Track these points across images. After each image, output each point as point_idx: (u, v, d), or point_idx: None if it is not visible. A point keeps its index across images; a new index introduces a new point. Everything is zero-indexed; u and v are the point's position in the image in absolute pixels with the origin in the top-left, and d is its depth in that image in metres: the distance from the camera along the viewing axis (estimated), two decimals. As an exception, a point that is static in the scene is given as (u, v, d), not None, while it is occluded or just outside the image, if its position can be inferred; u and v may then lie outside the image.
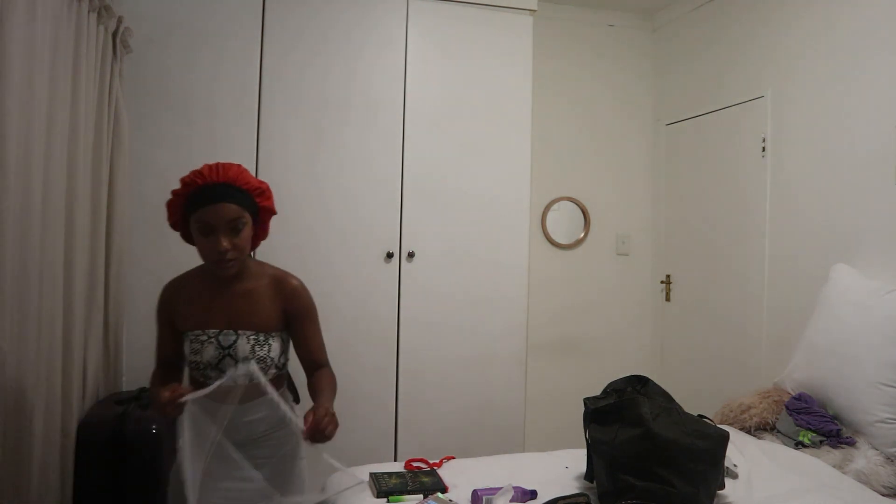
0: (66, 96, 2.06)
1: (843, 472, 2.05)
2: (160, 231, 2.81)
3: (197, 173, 1.58)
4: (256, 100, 2.93)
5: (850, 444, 2.19)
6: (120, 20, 2.49)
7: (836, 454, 2.15)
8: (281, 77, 2.95)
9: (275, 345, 1.69)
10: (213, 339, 1.64)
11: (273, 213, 1.77)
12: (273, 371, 1.70)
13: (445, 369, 3.16)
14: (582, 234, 4.05)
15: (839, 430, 2.25)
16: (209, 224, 1.55)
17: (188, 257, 2.80)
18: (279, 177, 2.95)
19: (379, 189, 3.07)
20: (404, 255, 3.09)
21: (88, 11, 2.21)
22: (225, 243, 1.56)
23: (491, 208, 3.21)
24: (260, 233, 1.75)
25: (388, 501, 1.88)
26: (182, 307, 1.69)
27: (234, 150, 2.89)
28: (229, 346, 1.64)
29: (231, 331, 1.65)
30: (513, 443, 3.21)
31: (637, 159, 4.14)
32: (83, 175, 2.21)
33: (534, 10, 3.27)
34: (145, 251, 2.77)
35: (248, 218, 1.62)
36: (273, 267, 1.80)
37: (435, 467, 2.16)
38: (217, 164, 1.60)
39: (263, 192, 1.70)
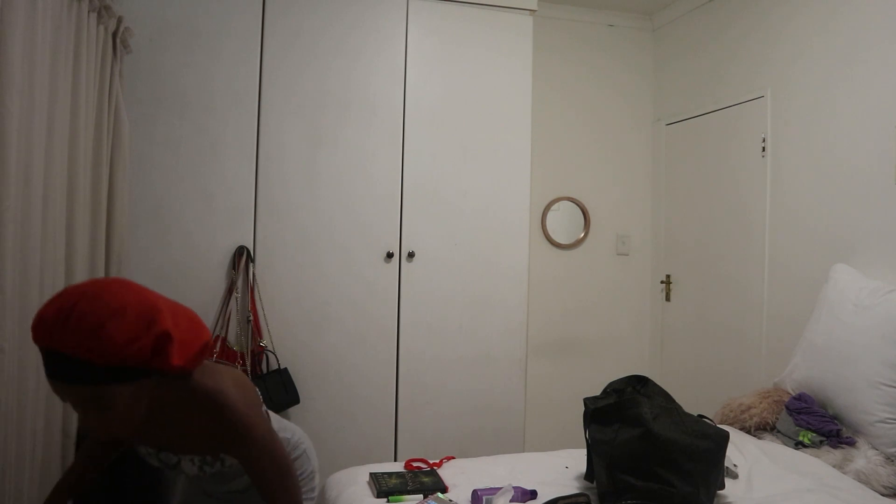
0: (66, 96, 2.06)
1: (843, 472, 2.05)
2: (160, 231, 2.84)
3: (36, 324, 1.09)
4: (256, 100, 2.93)
5: (850, 444, 2.19)
6: (120, 20, 2.49)
7: (836, 454, 2.15)
8: (281, 77, 2.95)
9: (228, 462, 1.44)
10: (152, 455, 1.45)
11: (181, 365, 1.16)
12: (234, 483, 1.53)
13: (445, 369, 3.16)
14: (582, 234, 4.05)
15: (839, 430, 2.25)
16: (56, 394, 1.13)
17: (188, 257, 2.82)
18: (279, 177, 2.95)
19: (379, 189, 3.07)
20: (404, 254, 3.09)
21: (88, 11, 2.21)
22: (89, 421, 1.14)
23: (491, 208, 3.21)
24: (180, 374, 1.22)
25: (388, 501, 1.88)
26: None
27: (234, 151, 2.89)
28: (173, 466, 1.44)
29: (170, 453, 1.41)
30: (513, 443, 3.21)
31: (637, 159, 4.14)
32: (83, 175, 2.21)
33: (534, 10, 3.27)
34: (145, 251, 2.77)
35: (116, 392, 1.11)
36: (210, 387, 1.29)
37: (435, 467, 2.16)
38: (64, 313, 1.05)
39: (141, 359, 1.10)
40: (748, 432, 2.47)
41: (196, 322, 1.25)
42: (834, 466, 2.09)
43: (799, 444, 2.28)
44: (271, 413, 1.65)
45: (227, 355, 2.76)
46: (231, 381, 1.37)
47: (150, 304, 1.13)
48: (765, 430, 2.48)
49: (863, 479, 2.02)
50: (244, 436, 1.30)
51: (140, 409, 1.18)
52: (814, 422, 2.29)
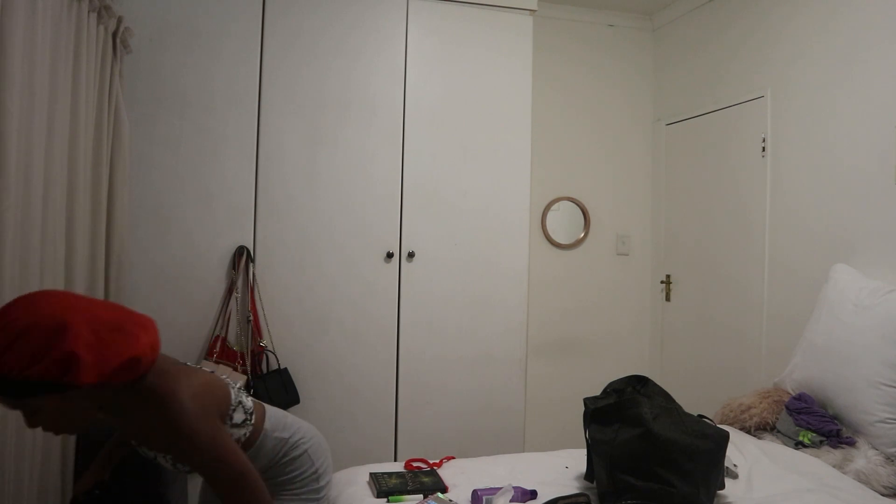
0: (66, 96, 2.06)
1: (843, 472, 2.05)
2: (160, 231, 2.84)
3: None
4: (256, 100, 2.93)
5: (850, 444, 2.19)
6: (120, 20, 2.49)
7: (836, 454, 2.15)
8: (281, 77, 2.95)
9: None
10: (138, 447, 1.52)
11: (93, 382, 1.19)
12: None
13: (445, 369, 3.16)
14: (582, 234, 4.05)
15: (839, 430, 2.25)
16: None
17: (188, 257, 2.82)
18: (279, 177, 2.96)
19: (379, 189, 3.07)
20: (404, 254, 3.09)
21: (88, 11, 2.21)
22: (29, 424, 1.23)
23: (491, 208, 3.21)
24: (114, 384, 1.25)
25: (388, 501, 1.88)
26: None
27: (234, 150, 2.89)
28: (153, 459, 1.48)
29: (145, 448, 1.48)
30: (513, 443, 3.21)
31: (637, 159, 4.14)
32: (83, 175, 2.21)
33: (534, 10, 3.27)
34: (145, 251, 2.77)
35: (38, 402, 1.18)
36: (161, 391, 1.33)
37: (435, 467, 2.16)
38: None
39: (46, 378, 1.14)
40: (748, 432, 2.48)
41: (126, 334, 1.25)
42: (834, 466, 2.09)
43: (799, 444, 2.28)
44: (274, 410, 1.65)
45: (227, 355, 2.76)
46: (191, 386, 1.37)
47: (58, 323, 1.16)
48: (765, 430, 2.48)
49: (863, 479, 2.02)
50: (185, 441, 1.31)
51: (82, 413, 1.25)
52: (814, 422, 2.29)
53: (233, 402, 1.51)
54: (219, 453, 1.35)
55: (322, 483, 1.67)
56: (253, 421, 1.55)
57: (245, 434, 1.53)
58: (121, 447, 1.69)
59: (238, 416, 1.50)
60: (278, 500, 1.60)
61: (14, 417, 1.71)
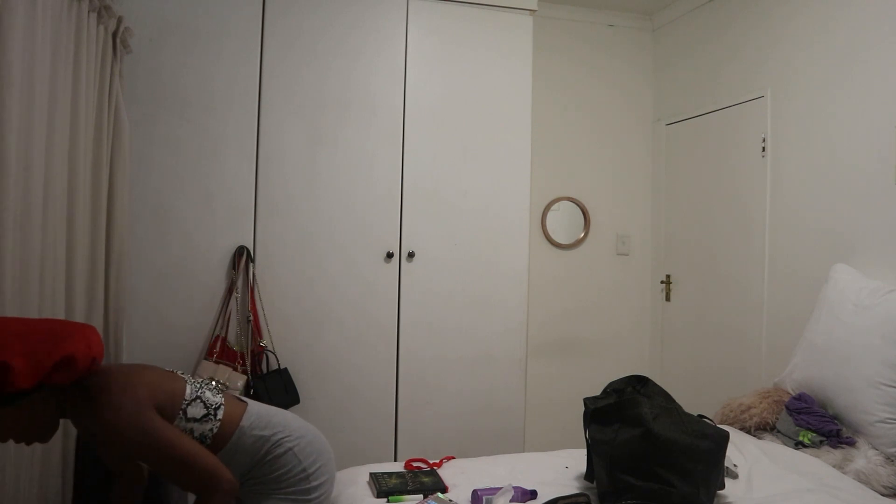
0: (66, 96, 2.06)
1: (843, 472, 2.05)
2: (160, 231, 2.84)
3: None
4: (256, 100, 2.93)
5: (850, 444, 2.19)
6: (120, 20, 2.49)
7: (836, 454, 2.15)
8: (281, 77, 2.95)
9: None
10: None
11: (31, 386, 1.30)
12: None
13: (445, 369, 3.16)
14: (582, 234, 4.05)
15: (839, 430, 2.25)
16: None
17: (188, 257, 2.82)
18: (279, 177, 2.96)
19: (379, 189, 3.07)
20: (404, 254, 3.09)
21: (88, 11, 2.21)
22: None
23: (491, 208, 3.21)
24: (58, 384, 1.36)
25: (388, 501, 1.87)
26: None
27: (234, 151, 2.89)
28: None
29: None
30: (513, 443, 3.21)
31: (637, 159, 4.14)
32: (83, 175, 2.21)
33: (534, 10, 3.27)
34: (145, 251, 2.77)
35: None
36: (93, 391, 1.42)
37: (435, 467, 2.16)
38: None
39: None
40: (748, 432, 2.48)
41: (56, 336, 1.34)
42: (834, 466, 2.09)
43: (799, 444, 2.28)
44: (259, 409, 1.66)
45: (228, 355, 2.76)
46: (127, 383, 1.43)
47: None
48: (765, 430, 2.48)
49: (863, 479, 2.02)
50: (115, 435, 1.38)
51: (42, 420, 1.34)
52: (814, 422, 2.29)
53: (187, 396, 1.53)
54: (152, 442, 1.40)
55: (314, 483, 1.65)
56: (220, 416, 1.56)
57: (211, 430, 1.54)
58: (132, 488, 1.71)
59: (194, 411, 1.52)
60: (270, 499, 1.59)
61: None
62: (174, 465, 1.42)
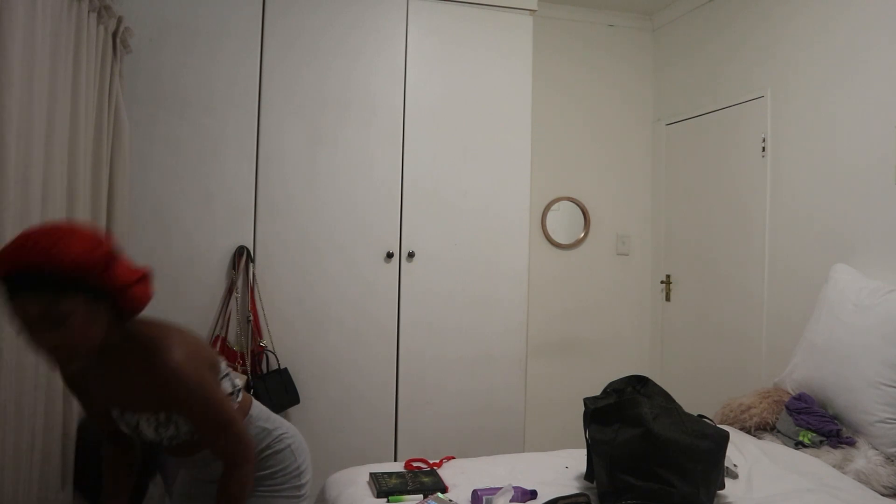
0: (66, 96, 2.06)
1: (843, 472, 2.05)
2: (160, 231, 2.84)
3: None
4: (256, 100, 2.93)
5: (850, 444, 2.19)
6: (120, 20, 2.49)
7: (836, 454, 2.15)
8: (281, 77, 2.95)
9: (181, 423, 1.43)
10: (119, 419, 1.47)
11: (126, 288, 1.31)
12: (198, 437, 1.47)
13: (445, 369, 3.16)
14: (582, 234, 4.05)
15: (839, 430, 2.25)
16: (17, 318, 1.23)
17: (188, 257, 2.82)
18: (279, 177, 2.96)
19: (379, 189, 3.07)
20: (404, 254, 3.09)
21: (88, 11, 2.21)
22: (41, 342, 1.25)
23: (491, 208, 3.21)
24: (124, 306, 1.33)
25: (388, 501, 1.88)
26: (83, 386, 1.51)
27: (234, 151, 2.90)
28: (134, 428, 1.46)
29: (130, 412, 1.44)
30: (513, 443, 3.21)
31: (637, 159, 4.14)
32: (83, 175, 2.21)
33: (534, 10, 3.27)
34: (145, 251, 2.77)
35: (72, 304, 1.22)
36: (149, 337, 1.38)
37: (435, 467, 2.16)
38: (22, 240, 1.23)
39: (93, 268, 1.24)
40: (748, 432, 2.48)
41: (143, 276, 1.37)
42: (834, 466, 2.09)
43: (799, 444, 2.28)
44: (260, 405, 1.66)
45: (228, 355, 2.76)
46: (182, 338, 1.42)
47: (97, 233, 1.31)
48: (765, 430, 2.48)
49: (863, 479, 2.02)
50: (174, 381, 1.34)
51: (92, 335, 1.28)
52: (814, 422, 2.29)
53: (222, 370, 1.53)
54: (207, 396, 1.39)
55: (304, 481, 1.67)
56: (240, 399, 1.57)
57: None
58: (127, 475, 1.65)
59: (225, 386, 1.52)
60: (257, 498, 1.57)
61: (13, 417, 1.71)
62: (218, 426, 1.40)
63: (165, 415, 1.40)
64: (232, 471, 1.43)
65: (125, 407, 1.42)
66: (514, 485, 1.87)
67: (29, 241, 1.21)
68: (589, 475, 1.98)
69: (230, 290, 2.84)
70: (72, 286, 1.22)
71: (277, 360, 2.89)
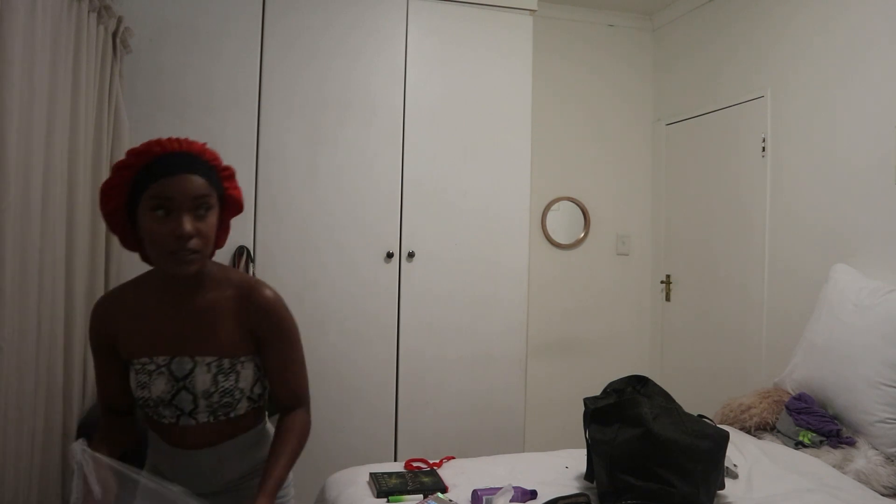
0: (66, 96, 2.06)
1: (843, 472, 2.05)
2: (160, 231, 2.83)
3: (153, 142, 1.25)
4: (256, 100, 2.93)
5: (850, 444, 2.19)
6: (120, 20, 2.49)
7: (836, 454, 2.15)
8: (281, 77, 2.95)
9: (245, 372, 1.35)
10: (163, 369, 1.32)
11: (240, 207, 1.41)
12: (245, 405, 1.38)
13: (445, 369, 3.16)
14: (582, 234, 4.05)
15: (839, 430, 2.25)
16: (169, 199, 1.21)
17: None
18: (279, 177, 2.95)
19: (379, 189, 3.07)
20: (404, 254, 3.09)
21: (88, 11, 2.21)
22: (188, 226, 1.22)
23: (491, 208, 3.21)
24: (220, 233, 1.40)
25: (388, 501, 1.88)
26: (123, 328, 1.35)
27: (234, 151, 2.89)
28: (185, 377, 1.32)
29: (186, 357, 1.32)
30: (513, 443, 3.21)
31: (637, 159, 4.14)
32: (83, 175, 2.21)
33: (534, 10, 3.27)
34: (145, 251, 2.77)
35: (215, 201, 1.29)
36: (240, 273, 1.47)
37: (435, 467, 2.16)
38: (172, 139, 1.27)
39: (232, 175, 1.37)
40: (748, 432, 2.48)
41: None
42: (834, 466, 2.09)
43: (799, 444, 2.28)
44: None
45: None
46: None
47: None
48: (765, 430, 2.48)
49: (863, 479, 2.02)
50: (273, 301, 1.37)
51: (213, 240, 1.32)
52: (814, 422, 2.29)
53: None
54: (296, 331, 1.43)
55: (289, 481, 1.54)
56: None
57: None
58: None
59: None
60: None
61: (13, 417, 1.71)
62: (297, 363, 1.42)
63: (231, 361, 1.33)
64: (299, 413, 1.41)
65: (189, 348, 1.32)
66: (514, 485, 1.87)
67: (186, 140, 1.28)
68: (589, 475, 1.98)
69: (230, 290, 2.84)
70: (217, 181, 1.30)
71: (277, 360, 2.88)
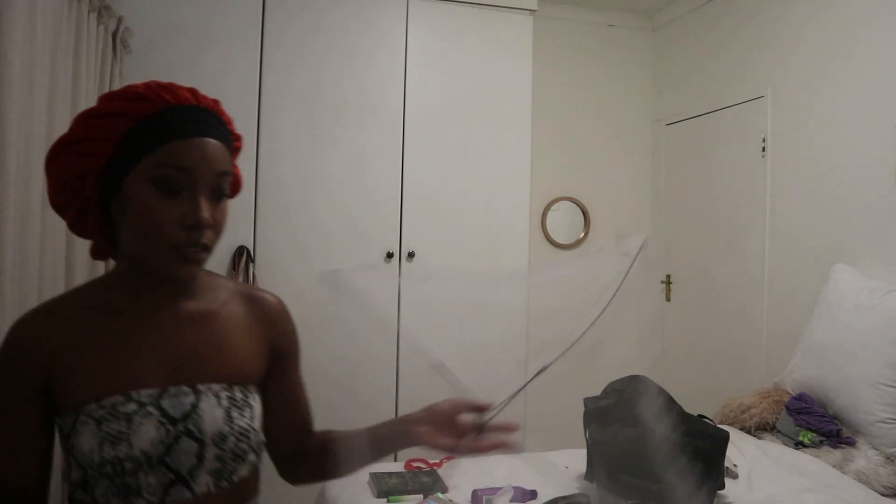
0: (66, 96, 2.06)
1: (843, 472, 2.05)
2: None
3: (156, 85, 0.88)
4: (256, 100, 2.93)
5: (850, 444, 2.19)
6: (120, 20, 2.49)
7: (836, 454, 2.15)
8: (281, 77, 2.95)
9: (256, 407, 0.97)
10: (150, 408, 0.86)
11: (240, 188, 1.03)
12: (252, 459, 0.95)
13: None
14: (582, 234, 4.05)
15: (839, 430, 2.25)
16: (184, 172, 0.85)
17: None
18: (279, 177, 2.95)
19: (379, 189, 3.07)
20: (404, 255, 3.09)
21: (88, 11, 2.21)
22: (206, 211, 0.86)
23: (491, 208, 3.21)
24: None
25: (388, 501, 1.88)
26: (68, 358, 0.87)
27: (234, 150, 2.89)
28: (185, 417, 0.87)
29: (184, 386, 0.89)
30: (513, 443, 3.20)
31: (637, 159, 4.14)
32: (83, 175, 2.21)
33: (534, 10, 3.27)
34: (145, 251, 2.77)
35: (229, 174, 0.93)
36: (226, 278, 1.11)
37: (435, 467, 2.16)
38: (185, 86, 0.92)
39: (240, 149, 1.05)
40: (748, 432, 2.48)
41: None
42: (834, 466, 2.09)
43: (799, 444, 2.28)
44: None
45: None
46: None
47: None
48: (765, 430, 2.48)
49: (863, 479, 2.02)
50: (289, 321, 1.08)
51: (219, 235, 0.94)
52: (814, 422, 2.29)
53: None
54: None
55: None
56: None
57: None
58: None
59: None
60: None
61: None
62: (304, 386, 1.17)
63: (242, 389, 0.95)
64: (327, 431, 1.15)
65: (186, 373, 0.91)
66: (514, 485, 1.87)
67: (192, 89, 0.93)
68: (589, 475, 1.98)
69: (230, 290, 2.84)
70: (232, 154, 0.98)
71: (277, 360, 2.89)
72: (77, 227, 0.95)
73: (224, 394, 0.92)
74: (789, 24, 3.07)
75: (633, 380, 2.00)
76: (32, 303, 1.80)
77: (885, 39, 2.56)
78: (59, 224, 2.02)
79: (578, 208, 4.05)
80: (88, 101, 2.24)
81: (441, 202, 3.14)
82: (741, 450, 2.23)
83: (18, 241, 1.73)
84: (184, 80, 0.93)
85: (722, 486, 1.85)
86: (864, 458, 2.09)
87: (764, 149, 3.19)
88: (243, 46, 2.91)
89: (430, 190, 3.13)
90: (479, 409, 1.06)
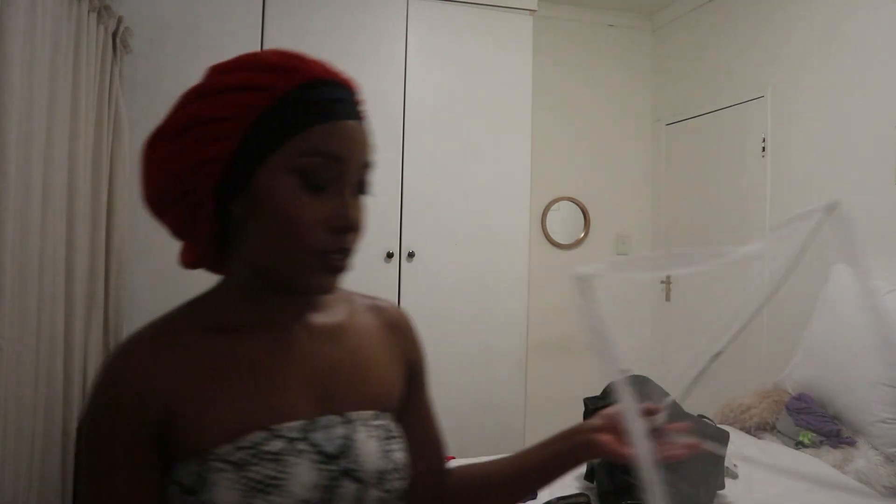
0: (67, 96, 2.06)
1: (843, 472, 2.05)
2: (160, 231, 2.82)
3: (296, 56, 0.73)
4: (256, 100, 2.92)
5: (850, 444, 2.19)
6: (120, 20, 2.49)
7: (836, 454, 2.15)
8: (281, 77, 2.95)
9: (401, 436, 0.83)
10: (302, 444, 0.71)
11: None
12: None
13: (445, 368, 3.15)
14: (582, 234, 4.05)
15: (839, 430, 2.25)
16: (337, 161, 0.71)
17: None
18: (279, 177, 2.95)
19: (379, 189, 3.03)
20: (404, 254, 3.09)
21: (88, 11, 2.21)
22: (355, 210, 0.74)
23: (491, 208, 3.21)
24: None
25: (388, 501, 1.87)
26: (194, 387, 0.71)
27: (234, 150, 2.89)
28: (343, 453, 0.73)
29: (333, 416, 0.75)
30: (513, 443, 3.21)
31: (637, 159, 4.14)
32: (83, 175, 2.21)
33: (534, 10, 3.27)
34: (145, 251, 2.77)
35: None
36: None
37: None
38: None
39: None
40: (748, 432, 2.48)
41: None
42: (834, 466, 2.09)
43: (799, 444, 2.28)
44: None
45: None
46: None
47: None
48: (765, 430, 2.48)
49: (863, 479, 2.02)
50: (416, 336, 0.94)
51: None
52: (814, 422, 2.29)
53: None
54: None
55: None
56: None
57: None
58: None
59: None
60: None
61: (13, 417, 1.71)
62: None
63: (389, 416, 0.83)
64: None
65: (333, 399, 0.77)
66: (514, 485, 1.87)
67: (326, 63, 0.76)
68: (589, 475, 1.98)
69: (230, 290, 2.84)
70: None
71: (277, 360, 2.89)
72: (185, 230, 0.82)
73: (374, 422, 0.78)
74: (789, 24, 3.07)
75: (633, 380, 2.00)
76: (32, 303, 1.81)
77: (886, 39, 2.56)
78: (59, 224, 2.02)
79: (578, 208, 4.05)
80: (88, 101, 2.24)
81: (441, 202, 3.14)
82: (741, 450, 2.23)
83: (18, 241, 1.73)
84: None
85: (722, 486, 1.85)
86: (864, 458, 2.09)
87: (764, 149, 3.19)
88: (244, 46, 2.90)
89: (430, 190, 3.13)
90: (651, 412, 0.89)
